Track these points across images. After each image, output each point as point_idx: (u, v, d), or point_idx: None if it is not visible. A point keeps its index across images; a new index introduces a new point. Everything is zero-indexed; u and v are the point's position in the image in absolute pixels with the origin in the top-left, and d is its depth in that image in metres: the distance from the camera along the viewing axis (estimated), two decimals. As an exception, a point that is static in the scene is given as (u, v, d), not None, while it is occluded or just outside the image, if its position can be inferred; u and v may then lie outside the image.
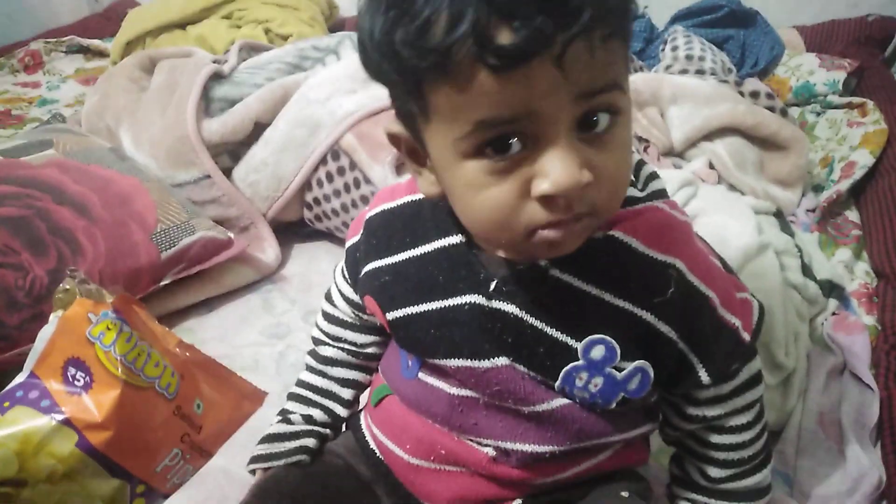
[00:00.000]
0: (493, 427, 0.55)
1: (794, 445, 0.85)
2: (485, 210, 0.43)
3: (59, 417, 0.48)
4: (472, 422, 0.56)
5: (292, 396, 0.71)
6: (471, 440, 0.57)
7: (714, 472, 0.59)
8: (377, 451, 0.65)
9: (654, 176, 0.56)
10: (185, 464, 0.56)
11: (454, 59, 0.37)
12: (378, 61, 0.42)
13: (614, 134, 0.42)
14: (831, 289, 1.07)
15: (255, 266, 1.18)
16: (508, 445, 0.55)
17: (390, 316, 0.57)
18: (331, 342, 0.71)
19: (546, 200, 0.41)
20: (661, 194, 0.55)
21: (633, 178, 0.55)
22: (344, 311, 0.69)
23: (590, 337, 0.49)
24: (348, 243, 0.64)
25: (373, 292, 0.58)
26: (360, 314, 0.67)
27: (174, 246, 1.06)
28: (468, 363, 0.53)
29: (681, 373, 0.53)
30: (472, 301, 0.52)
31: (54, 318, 0.54)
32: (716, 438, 0.58)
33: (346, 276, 0.66)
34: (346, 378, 0.70)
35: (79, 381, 0.50)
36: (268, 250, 1.22)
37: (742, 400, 0.56)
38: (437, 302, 0.53)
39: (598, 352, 0.50)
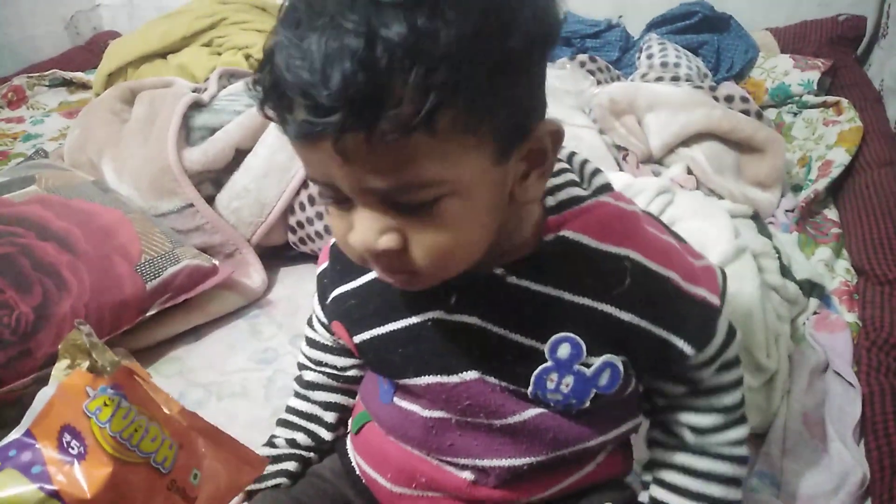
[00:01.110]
0: (469, 446, 0.56)
1: (780, 447, 0.86)
2: (336, 237, 0.47)
3: (49, 489, 0.48)
4: (447, 443, 0.56)
5: (279, 422, 0.73)
6: (449, 465, 0.58)
7: (703, 420, 0.59)
8: (362, 477, 0.65)
9: (597, 171, 0.57)
10: None
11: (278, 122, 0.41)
12: None
13: (436, 213, 0.42)
14: (812, 288, 1.08)
15: (241, 292, 1.19)
16: (486, 463, 0.56)
17: (357, 339, 0.58)
18: (313, 367, 0.72)
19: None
20: (606, 188, 0.56)
21: (578, 178, 0.56)
22: (323, 336, 0.70)
23: (554, 336, 0.50)
24: (318, 270, 0.65)
25: (339, 317, 0.60)
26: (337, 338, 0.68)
27: (159, 276, 1.07)
28: (438, 379, 0.53)
29: (665, 355, 0.53)
30: (435, 317, 0.52)
31: (59, 374, 0.54)
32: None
33: (318, 302, 0.67)
34: (328, 402, 0.71)
35: (73, 449, 0.50)
36: (254, 275, 1.22)
37: (730, 353, 0.58)
38: (401, 321, 0.54)
39: (564, 350, 0.50)
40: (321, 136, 0.38)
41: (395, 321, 0.55)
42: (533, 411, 0.54)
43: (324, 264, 0.64)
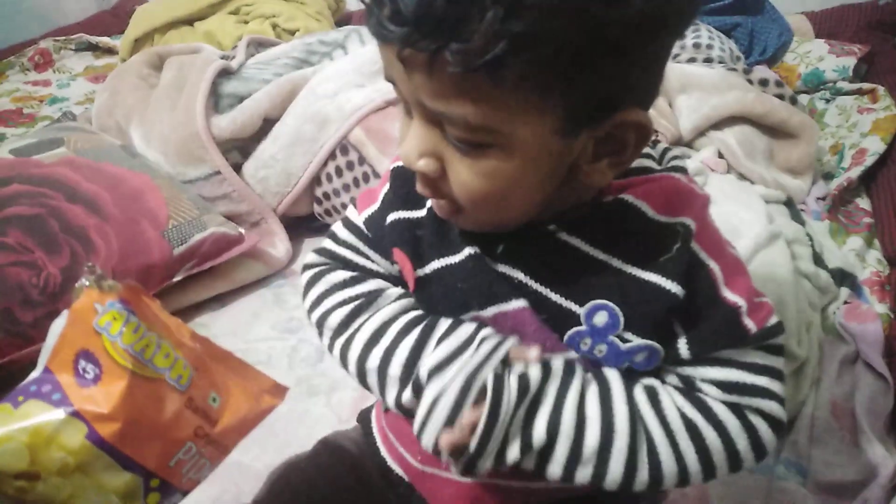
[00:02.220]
0: None
1: (807, 435, 0.85)
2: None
3: (69, 410, 0.49)
4: None
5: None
6: None
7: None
8: (386, 452, 0.64)
9: (676, 157, 0.55)
10: (200, 458, 0.56)
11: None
12: None
13: (478, 156, 0.42)
14: (843, 277, 1.06)
15: (266, 261, 1.19)
16: None
17: (420, 272, 0.53)
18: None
19: None
20: (681, 170, 0.52)
21: (652, 156, 0.53)
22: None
23: (592, 302, 0.48)
24: (365, 214, 0.58)
25: (405, 246, 0.54)
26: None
27: (186, 242, 1.07)
28: (499, 308, 0.50)
29: (662, 341, 0.49)
30: (480, 253, 0.50)
31: (66, 311, 0.54)
32: None
33: (364, 247, 0.59)
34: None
35: (89, 373, 0.51)
36: (279, 245, 1.22)
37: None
38: (456, 255, 0.52)
39: (600, 318, 0.48)
40: (389, 41, 0.39)
41: (451, 255, 0.52)
42: (573, 355, 0.50)
43: (372, 206, 0.58)
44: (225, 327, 1.08)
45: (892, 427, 0.86)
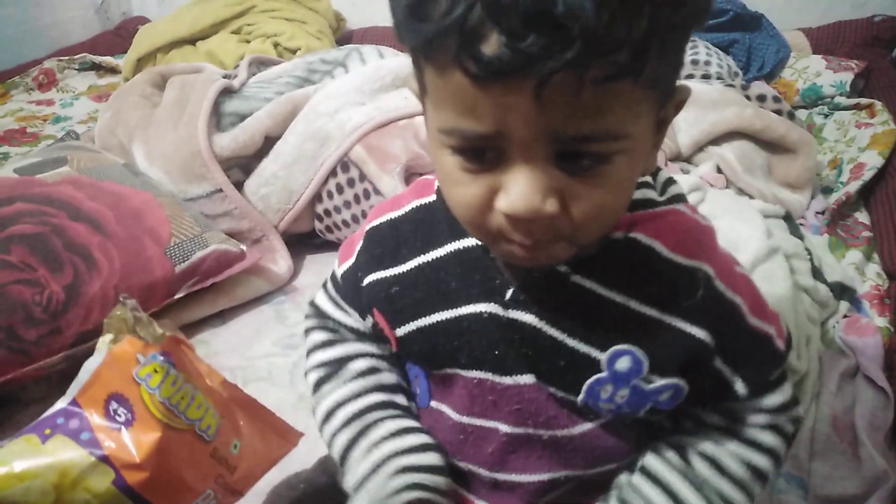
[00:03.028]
0: (507, 458, 0.52)
1: (808, 449, 0.85)
2: (460, 206, 0.42)
3: (98, 454, 0.49)
4: (487, 450, 0.52)
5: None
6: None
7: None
8: None
9: (671, 181, 0.53)
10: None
11: (437, 48, 0.35)
12: (394, 20, 0.39)
13: (605, 171, 0.38)
14: (842, 291, 1.07)
15: (267, 278, 1.19)
16: (523, 478, 0.52)
17: (400, 332, 0.52)
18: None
19: (508, 217, 0.39)
20: (681, 198, 0.52)
21: (651, 182, 0.52)
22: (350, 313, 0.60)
23: (615, 347, 0.46)
24: (342, 268, 0.58)
25: (379, 304, 0.53)
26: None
27: (188, 259, 1.07)
28: (490, 377, 0.49)
29: (715, 388, 0.49)
30: (488, 311, 0.48)
31: (103, 347, 0.54)
32: None
33: (342, 301, 0.59)
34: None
35: (120, 416, 0.51)
36: (280, 262, 1.23)
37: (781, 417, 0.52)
38: (450, 311, 0.50)
39: (623, 363, 0.46)
40: (523, 76, 0.33)
41: (443, 311, 0.50)
42: (584, 426, 0.50)
43: (348, 260, 0.57)
44: (226, 344, 1.08)
45: (893, 441, 0.86)
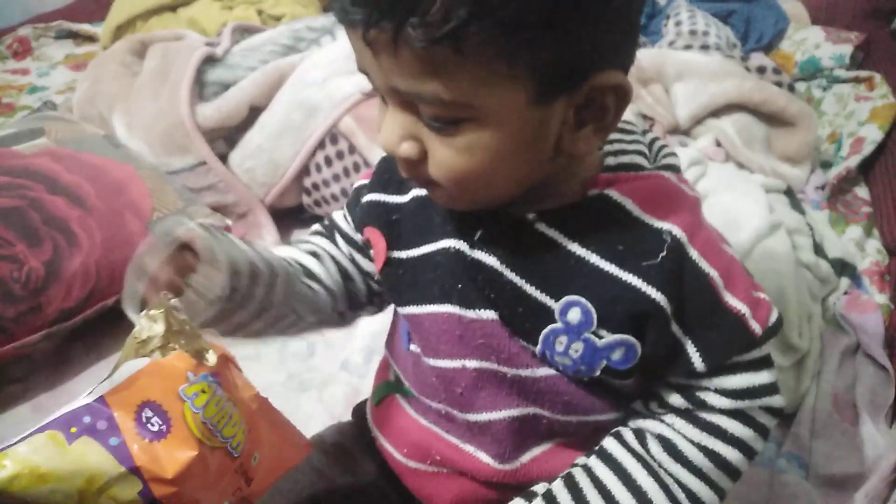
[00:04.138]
0: (478, 396, 0.53)
1: (809, 428, 0.84)
2: (381, 140, 0.46)
3: (129, 465, 0.46)
4: (458, 391, 0.53)
5: None
6: (468, 444, 0.55)
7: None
8: (380, 449, 0.63)
9: (670, 154, 0.54)
10: None
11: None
12: None
13: (457, 133, 0.42)
14: (843, 267, 1.05)
15: (254, 254, 1.16)
16: (492, 416, 0.53)
17: (394, 254, 0.55)
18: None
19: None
20: (673, 169, 0.52)
21: (646, 153, 0.52)
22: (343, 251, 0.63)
23: (566, 297, 0.47)
24: (357, 184, 0.61)
25: (379, 225, 0.56)
26: (355, 254, 0.63)
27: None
28: (457, 310, 0.50)
29: (671, 356, 0.48)
30: (457, 247, 0.50)
31: (134, 349, 0.51)
32: None
33: (348, 215, 0.62)
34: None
35: (153, 426, 0.48)
36: (266, 237, 1.19)
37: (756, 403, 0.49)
38: (430, 245, 0.52)
39: (574, 314, 0.47)
40: (354, 25, 0.39)
41: (426, 244, 0.52)
42: (547, 371, 0.50)
43: (364, 180, 0.61)
44: (213, 322, 1.05)
45: (893, 418, 0.85)
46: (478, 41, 0.36)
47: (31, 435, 0.45)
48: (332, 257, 0.62)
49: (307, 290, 0.58)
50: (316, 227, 0.65)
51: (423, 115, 0.42)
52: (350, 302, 0.63)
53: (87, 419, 0.46)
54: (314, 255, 0.60)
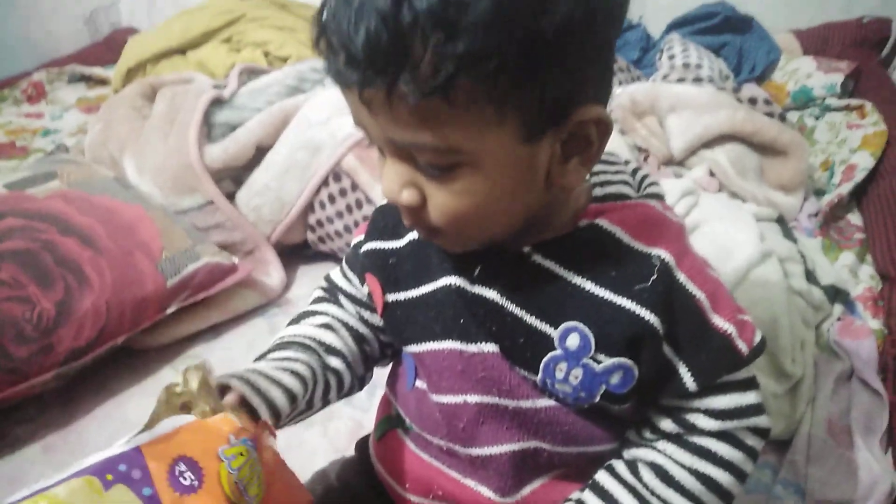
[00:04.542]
0: (480, 431, 0.54)
1: (805, 454, 0.85)
2: (383, 190, 0.49)
3: None
4: (460, 426, 0.55)
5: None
6: (470, 479, 0.57)
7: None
8: (383, 483, 0.64)
9: (652, 183, 0.56)
10: None
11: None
12: None
13: (452, 179, 0.44)
14: (836, 294, 1.07)
15: (260, 290, 1.18)
16: (493, 450, 0.54)
17: (390, 298, 0.57)
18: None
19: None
20: (657, 197, 0.55)
21: (630, 182, 0.55)
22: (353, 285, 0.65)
23: (565, 324, 0.49)
24: (354, 240, 0.63)
25: (375, 271, 0.58)
26: (363, 311, 0.64)
27: (179, 273, 1.07)
28: (458, 345, 0.52)
29: (663, 378, 0.50)
30: (458, 284, 0.52)
31: (167, 404, 0.54)
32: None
33: (347, 269, 0.64)
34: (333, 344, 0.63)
35: (185, 480, 0.50)
36: (273, 274, 1.22)
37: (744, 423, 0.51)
38: (429, 285, 0.54)
39: (573, 340, 0.49)
40: (350, 86, 0.41)
41: (425, 284, 0.54)
42: (547, 402, 0.52)
43: (360, 236, 0.62)
44: (220, 358, 1.07)
45: (889, 443, 0.86)
46: (466, 91, 0.39)
47: (68, 478, 0.46)
48: (344, 324, 0.64)
49: (333, 377, 0.61)
50: (318, 292, 0.67)
51: (420, 162, 0.44)
52: (367, 364, 0.65)
53: (122, 467, 0.48)
54: (328, 327, 0.62)
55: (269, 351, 0.61)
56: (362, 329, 0.64)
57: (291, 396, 0.55)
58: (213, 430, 0.51)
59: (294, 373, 0.56)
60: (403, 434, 0.62)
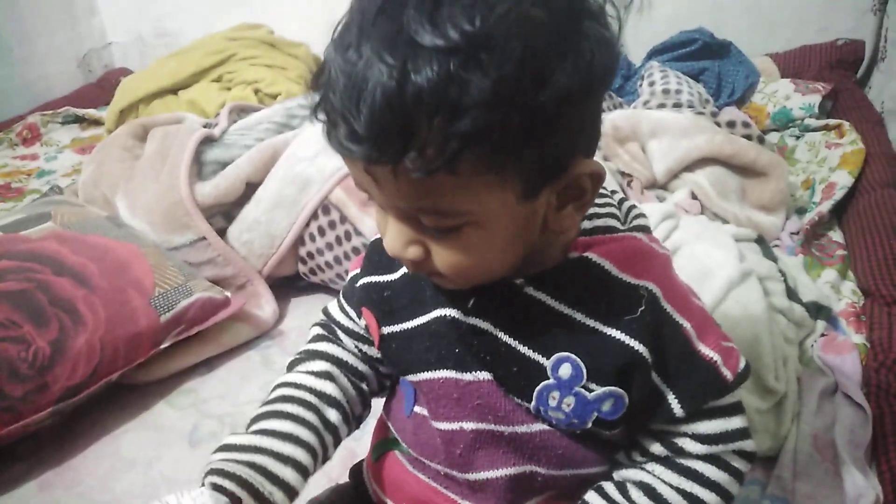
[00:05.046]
0: (477, 456, 0.55)
1: (791, 470, 0.86)
2: (378, 230, 0.51)
3: None
4: (457, 452, 0.56)
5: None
6: (467, 501, 0.58)
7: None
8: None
9: (639, 215, 0.58)
10: None
11: None
12: None
13: (456, 237, 0.45)
14: (818, 310, 1.08)
15: (253, 323, 1.20)
16: (490, 474, 0.55)
17: (385, 330, 0.58)
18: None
19: None
20: (644, 229, 0.57)
21: (617, 213, 0.57)
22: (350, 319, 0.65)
23: (556, 354, 0.50)
24: (351, 273, 0.64)
25: (370, 305, 0.59)
26: (361, 345, 0.65)
27: (172, 309, 1.08)
28: (453, 374, 0.54)
29: (652, 403, 0.52)
30: (453, 315, 0.53)
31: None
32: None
33: (345, 303, 0.65)
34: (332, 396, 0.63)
35: None
36: (265, 306, 1.24)
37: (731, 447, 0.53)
38: (424, 316, 0.55)
39: (565, 370, 0.50)
40: (353, 160, 0.42)
41: (420, 316, 0.56)
42: (541, 426, 0.54)
43: (356, 269, 0.64)
44: (213, 391, 1.08)
45: (872, 456, 0.87)
46: (470, 164, 0.40)
47: None
48: (344, 365, 0.64)
49: (330, 436, 0.60)
50: (316, 330, 0.67)
51: (424, 223, 0.45)
52: (364, 404, 0.65)
53: None
54: (328, 376, 0.62)
55: (270, 403, 0.60)
56: (361, 367, 0.65)
57: (296, 486, 0.56)
58: None
59: (301, 467, 0.56)
60: (401, 456, 0.63)
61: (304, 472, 0.56)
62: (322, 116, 0.42)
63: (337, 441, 0.62)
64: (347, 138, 0.40)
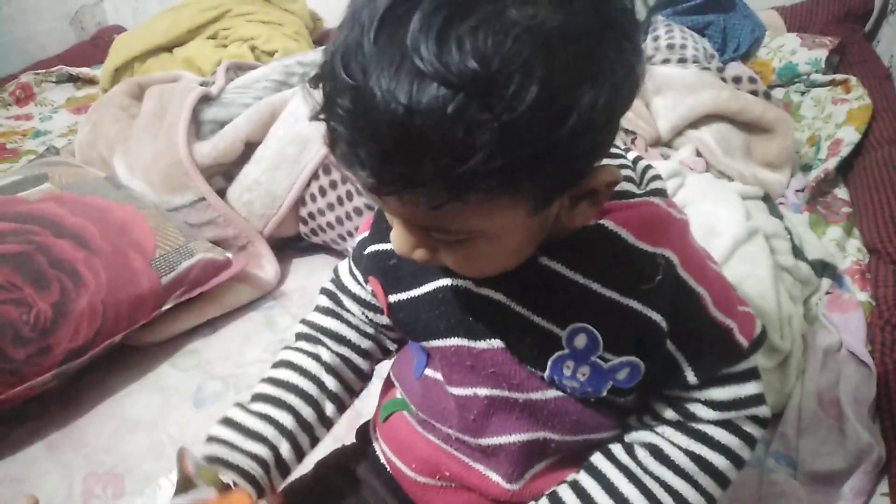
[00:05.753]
0: (491, 423, 0.55)
1: (795, 427, 0.87)
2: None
3: None
4: (471, 417, 0.56)
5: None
6: (478, 463, 0.58)
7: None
8: (387, 466, 0.65)
9: (656, 177, 0.56)
10: None
11: None
12: None
13: (467, 247, 0.44)
14: (824, 268, 1.08)
15: (255, 284, 1.20)
16: (503, 440, 0.55)
17: (392, 298, 0.57)
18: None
19: None
20: (661, 193, 0.54)
21: (633, 176, 0.55)
22: (359, 288, 0.65)
23: (572, 325, 0.49)
24: (359, 237, 0.63)
25: (377, 273, 0.59)
26: (368, 312, 0.65)
27: (174, 270, 1.08)
28: (465, 342, 0.53)
29: (667, 371, 0.51)
30: (464, 285, 0.52)
31: (172, 484, 0.57)
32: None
33: (354, 266, 0.64)
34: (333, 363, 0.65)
35: None
36: (266, 267, 1.23)
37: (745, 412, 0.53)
38: (433, 283, 0.54)
39: (580, 340, 0.50)
40: (360, 180, 0.39)
41: (428, 283, 0.55)
42: (555, 393, 0.53)
43: (365, 232, 0.62)
44: (217, 352, 1.08)
45: (876, 414, 0.88)
46: (480, 191, 0.38)
47: None
48: (347, 343, 0.65)
49: (327, 426, 0.64)
50: (323, 299, 0.67)
51: (433, 235, 0.44)
52: (364, 378, 0.67)
53: None
54: (330, 370, 0.63)
55: (273, 384, 0.63)
56: (365, 344, 0.65)
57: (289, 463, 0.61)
58: (237, 500, 0.54)
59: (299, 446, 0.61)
60: (410, 417, 0.63)
61: (285, 469, 0.61)
62: (321, 120, 0.40)
63: (329, 428, 0.64)
64: (352, 161, 0.38)
